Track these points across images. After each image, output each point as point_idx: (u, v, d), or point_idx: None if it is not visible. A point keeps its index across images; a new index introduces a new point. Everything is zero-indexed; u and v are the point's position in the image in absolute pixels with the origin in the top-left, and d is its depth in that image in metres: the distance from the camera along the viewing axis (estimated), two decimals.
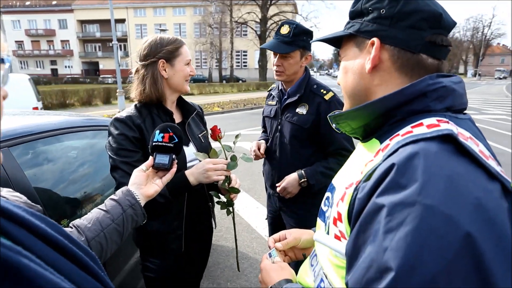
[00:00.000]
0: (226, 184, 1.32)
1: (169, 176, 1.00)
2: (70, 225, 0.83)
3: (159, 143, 1.00)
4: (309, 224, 1.42)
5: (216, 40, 37.53)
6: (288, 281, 0.74)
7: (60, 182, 1.54)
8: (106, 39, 46.11)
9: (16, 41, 49.22)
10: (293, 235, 0.92)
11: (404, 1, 0.60)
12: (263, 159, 1.88)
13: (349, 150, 1.65)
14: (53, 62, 50.59)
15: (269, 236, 2.09)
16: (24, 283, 0.30)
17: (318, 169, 1.65)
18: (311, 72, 1.78)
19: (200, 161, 1.27)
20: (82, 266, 0.41)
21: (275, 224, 1.93)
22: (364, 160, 0.61)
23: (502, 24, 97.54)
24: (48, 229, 0.39)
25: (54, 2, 48.16)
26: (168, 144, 0.99)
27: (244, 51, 45.34)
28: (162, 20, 45.14)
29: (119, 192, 0.92)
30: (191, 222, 1.39)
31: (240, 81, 33.96)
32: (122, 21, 45.79)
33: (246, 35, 41.50)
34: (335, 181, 0.72)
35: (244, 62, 46.86)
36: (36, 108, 6.59)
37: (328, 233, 0.65)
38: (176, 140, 1.00)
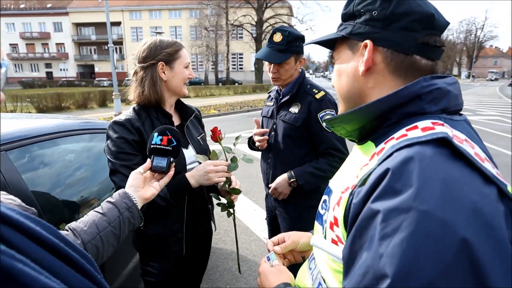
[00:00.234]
0: (227, 185, 1.31)
1: (166, 179, 1.00)
2: (66, 227, 0.82)
3: (157, 146, 0.98)
4: (301, 225, 1.42)
5: (212, 42, 37.51)
6: (287, 284, 0.74)
7: (58, 185, 1.52)
8: (101, 42, 45.70)
9: (10, 44, 48.82)
10: (292, 238, 0.91)
11: (396, 3, 0.59)
12: (261, 159, 1.90)
13: (339, 150, 1.65)
14: (48, 65, 50.21)
15: (269, 237, 2.09)
16: (18, 287, 0.30)
17: (307, 170, 1.66)
18: (307, 74, 1.80)
19: (200, 163, 1.26)
20: (78, 269, 0.40)
21: (274, 224, 1.93)
22: (359, 163, 0.61)
23: (495, 26, 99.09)
24: (43, 232, 0.39)
25: (49, 5, 47.90)
26: (166, 147, 0.98)
27: (240, 54, 45.39)
28: (158, 23, 44.84)
29: (115, 194, 0.91)
30: (191, 224, 1.38)
31: (236, 84, 33.92)
32: (117, 24, 45.55)
33: (242, 37, 41.51)
34: (332, 184, 0.72)
35: (240, 65, 46.92)
36: None
37: (325, 237, 0.65)
38: (175, 143, 0.99)
